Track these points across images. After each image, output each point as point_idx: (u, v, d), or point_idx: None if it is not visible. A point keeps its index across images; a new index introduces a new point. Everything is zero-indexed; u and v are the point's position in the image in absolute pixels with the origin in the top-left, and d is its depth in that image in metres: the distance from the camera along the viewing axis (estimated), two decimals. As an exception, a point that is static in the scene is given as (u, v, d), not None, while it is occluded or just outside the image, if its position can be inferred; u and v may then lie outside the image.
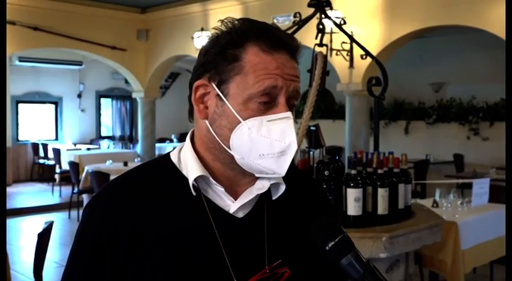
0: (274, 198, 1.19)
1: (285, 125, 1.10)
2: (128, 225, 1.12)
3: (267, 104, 1.10)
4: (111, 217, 1.14)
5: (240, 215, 1.16)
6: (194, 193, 1.14)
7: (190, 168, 1.15)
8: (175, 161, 1.20)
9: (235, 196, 1.17)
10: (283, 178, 1.19)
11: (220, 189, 1.15)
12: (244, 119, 1.10)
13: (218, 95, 1.12)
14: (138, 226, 1.12)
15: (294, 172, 1.35)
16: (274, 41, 1.12)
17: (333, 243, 1.08)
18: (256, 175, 1.15)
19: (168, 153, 1.24)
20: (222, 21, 1.15)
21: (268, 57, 1.11)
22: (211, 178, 1.15)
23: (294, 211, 1.23)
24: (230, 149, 1.12)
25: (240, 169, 1.14)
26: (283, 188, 1.18)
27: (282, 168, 1.11)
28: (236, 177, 1.17)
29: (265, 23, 1.15)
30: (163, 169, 1.20)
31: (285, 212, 1.22)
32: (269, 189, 1.19)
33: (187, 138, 1.21)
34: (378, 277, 1.07)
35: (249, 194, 1.16)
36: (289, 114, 1.11)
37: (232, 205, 1.16)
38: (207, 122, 1.15)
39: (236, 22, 1.14)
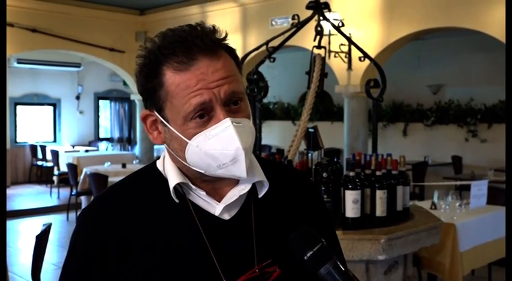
0: (259, 196, 1.20)
1: (226, 133, 1.09)
2: (117, 235, 1.15)
3: (204, 117, 1.10)
4: (100, 228, 1.17)
5: (227, 217, 1.17)
6: (177, 200, 1.16)
7: (170, 176, 1.18)
8: (161, 168, 1.22)
9: (219, 198, 1.18)
10: (272, 176, 1.21)
11: (201, 193, 1.17)
12: (189, 139, 1.11)
13: (162, 121, 1.14)
14: (127, 235, 1.15)
15: (286, 171, 1.36)
16: (186, 54, 1.09)
17: (311, 252, 1.08)
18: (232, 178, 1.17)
19: (155, 161, 1.26)
20: (143, 45, 1.14)
21: (186, 74, 1.09)
22: (190, 184, 1.17)
23: (284, 210, 1.24)
24: (191, 167, 1.14)
25: (213, 177, 1.16)
26: (266, 186, 1.19)
27: (242, 172, 1.12)
28: (215, 184, 1.19)
29: (176, 35, 1.11)
30: (149, 177, 1.22)
31: (274, 211, 1.22)
32: (255, 189, 1.20)
33: (165, 148, 1.23)
34: None
35: (232, 196, 1.17)
36: (227, 121, 1.09)
37: (217, 207, 1.17)
38: (165, 146, 1.18)
39: (150, 46, 1.12)
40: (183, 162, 1.15)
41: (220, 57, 1.11)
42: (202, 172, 1.14)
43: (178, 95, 1.09)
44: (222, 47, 1.13)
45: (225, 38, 1.14)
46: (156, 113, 1.15)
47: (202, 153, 1.10)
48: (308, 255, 1.08)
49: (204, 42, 1.09)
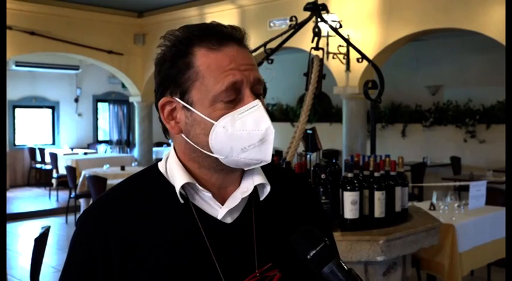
0: (261, 199, 1.20)
1: (257, 113, 1.11)
2: (118, 237, 1.14)
3: (233, 99, 1.11)
4: (102, 229, 1.15)
5: (229, 220, 1.17)
6: (182, 201, 1.15)
7: (176, 177, 1.16)
8: (163, 170, 1.21)
9: (222, 201, 1.18)
10: (272, 179, 1.21)
11: (207, 195, 1.16)
12: (215, 121, 1.11)
13: (184, 106, 1.14)
14: (128, 237, 1.14)
15: (285, 174, 1.36)
16: (218, 37, 1.13)
17: (314, 252, 1.08)
18: (246, 169, 1.16)
19: (157, 163, 1.25)
20: (163, 37, 1.16)
21: (219, 54, 1.12)
22: (197, 184, 1.16)
23: (284, 213, 1.24)
24: (212, 153, 1.13)
25: (228, 168, 1.15)
26: (268, 189, 1.19)
27: (267, 155, 1.12)
28: (223, 180, 1.18)
29: (205, 23, 1.16)
30: (151, 179, 1.22)
31: (274, 214, 1.22)
32: (257, 192, 1.20)
33: (171, 148, 1.23)
34: None
35: (235, 199, 1.17)
36: (257, 102, 1.12)
37: (219, 211, 1.16)
38: (182, 135, 1.17)
39: (177, 33, 1.15)
40: (202, 150, 1.14)
41: (246, 49, 1.16)
42: (223, 158, 1.13)
43: (210, 73, 1.11)
44: (247, 47, 1.18)
45: (246, 39, 1.18)
46: (178, 99, 1.14)
47: (228, 135, 1.10)
48: (311, 254, 1.08)
49: (234, 33, 1.15)
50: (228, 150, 1.11)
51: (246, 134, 1.10)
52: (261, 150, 1.11)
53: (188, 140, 1.16)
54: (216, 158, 1.13)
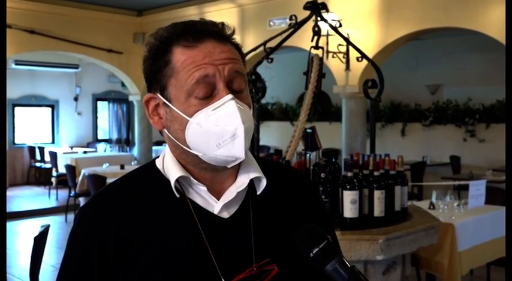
0: (258, 193, 1.21)
1: (229, 108, 1.11)
2: (116, 232, 1.15)
3: (207, 97, 1.12)
4: (98, 226, 1.16)
5: (226, 215, 1.18)
6: (177, 195, 1.16)
7: (171, 171, 1.18)
8: (160, 167, 1.22)
9: (218, 195, 1.19)
10: (272, 175, 1.22)
11: (202, 188, 1.17)
12: (190, 117, 1.12)
13: (164, 102, 1.16)
14: (125, 233, 1.14)
15: (284, 170, 1.36)
16: (195, 34, 1.14)
17: (317, 249, 1.08)
18: (228, 166, 1.16)
19: (154, 159, 1.26)
20: (152, 35, 1.18)
21: (194, 51, 1.13)
22: (192, 178, 1.17)
23: (282, 209, 1.24)
24: (190, 149, 1.14)
25: (210, 165, 1.15)
26: (264, 182, 1.20)
27: (240, 151, 1.12)
28: (214, 177, 1.19)
29: (188, 21, 1.18)
30: (148, 175, 1.23)
31: (272, 210, 1.23)
32: (254, 187, 1.21)
33: (167, 144, 1.24)
34: None
35: (230, 194, 1.18)
36: (229, 97, 1.11)
37: (215, 206, 1.17)
38: (165, 130, 1.19)
39: (161, 31, 1.17)
40: (182, 146, 1.15)
41: (227, 44, 1.16)
42: (201, 155, 1.13)
43: (184, 69, 1.12)
44: (230, 41, 1.18)
45: (232, 33, 1.18)
46: (159, 95, 1.16)
47: (203, 131, 1.11)
48: (314, 252, 1.08)
49: (214, 29, 1.16)
50: (204, 146, 1.12)
51: (220, 130, 1.10)
52: (233, 146, 1.11)
53: (170, 135, 1.18)
54: (196, 155, 1.14)
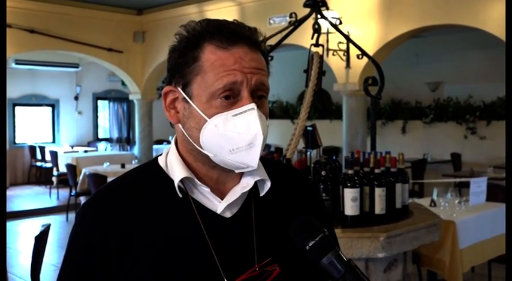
0: (261, 195, 1.20)
1: (250, 117, 1.11)
2: (117, 231, 1.14)
3: (230, 99, 1.11)
4: (100, 224, 1.15)
5: (228, 215, 1.17)
6: (180, 195, 1.15)
7: (176, 170, 1.17)
8: (163, 165, 1.21)
9: (222, 196, 1.18)
10: (273, 175, 1.21)
11: (206, 189, 1.17)
12: (209, 118, 1.12)
13: (184, 98, 1.15)
14: (127, 231, 1.14)
15: (285, 170, 1.36)
16: (229, 36, 1.12)
17: (313, 242, 1.08)
18: (236, 171, 1.16)
19: (157, 157, 1.25)
20: (183, 26, 1.16)
21: (225, 53, 1.12)
22: (196, 179, 1.16)
23: (284, 209, 1.24)
24: (202, 149, 1.14)
25: (220, 166, 1.15)
26: (268, 185, 1.20)
27: (253, 160, 1.12)
28: (220, 176, 1.19)
29: (223, 20, 1.16)
30: (151, 173, 1.22)
31: (274, 210, 1.22)
32: (257, 187, 1.20)
33: (172, 142, 1.23)
34: (359, 277, 1.06)
35: (234, 194, 1.18)
36: (252, 105, 1.11)
37: (219, 205, 1.17)
38: (180, 125, 1.18)
39: (194, 25, 1.15)
40: (195, 144, 1.15)
41: (257, 52, 1.16)
42: (212, 156, 1.13)
43: (213, 70, 1.11)
44: (260, 48, 1.17)
45: (263, 40, 1.18)
46: (180, 89, 1.15)
47: (219, 134, 1.10)
48: (310, 245, 1.08)
49: (248, 34, 1.15)
50: (217, 149, 1.12)
51: (236, 136, 1.10)
52: (248, 154, 1.11)
53: (184, 131, 1.17)
54: (208, 155, 1.14)
